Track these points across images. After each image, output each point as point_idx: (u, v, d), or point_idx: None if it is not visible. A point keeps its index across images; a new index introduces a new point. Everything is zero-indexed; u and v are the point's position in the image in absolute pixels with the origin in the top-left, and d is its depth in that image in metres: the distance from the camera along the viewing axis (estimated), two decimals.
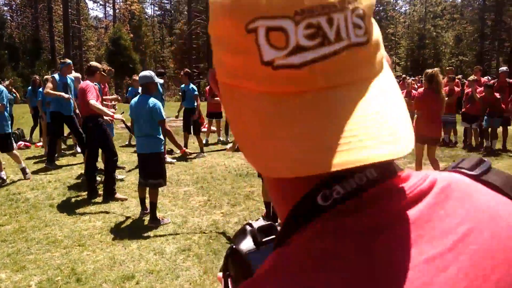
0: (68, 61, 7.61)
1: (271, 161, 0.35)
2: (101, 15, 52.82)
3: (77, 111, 7.15)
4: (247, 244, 0.62)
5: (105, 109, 5.30)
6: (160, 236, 4.28)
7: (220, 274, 0.64)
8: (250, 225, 0.67)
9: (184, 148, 4.83)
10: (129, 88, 10.74)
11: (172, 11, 65.18)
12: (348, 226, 0.37)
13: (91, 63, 5.89)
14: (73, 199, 5.57)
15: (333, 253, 0.36)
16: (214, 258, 3.72)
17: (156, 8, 69.89)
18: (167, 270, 3.52)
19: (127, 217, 4.87)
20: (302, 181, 0.39)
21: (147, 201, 4.73)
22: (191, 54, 41.01)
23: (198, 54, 45.55)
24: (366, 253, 0.35)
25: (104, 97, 7.27)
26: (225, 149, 5.46)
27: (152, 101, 4.51)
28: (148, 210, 4.75)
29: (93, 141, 5.59)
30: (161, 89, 7.30)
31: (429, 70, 5.99)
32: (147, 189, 4.71)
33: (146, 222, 4.68)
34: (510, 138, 9.46)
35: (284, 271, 0.37)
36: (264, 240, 0.64)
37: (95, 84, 5.83)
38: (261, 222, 0.70)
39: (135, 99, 4.64)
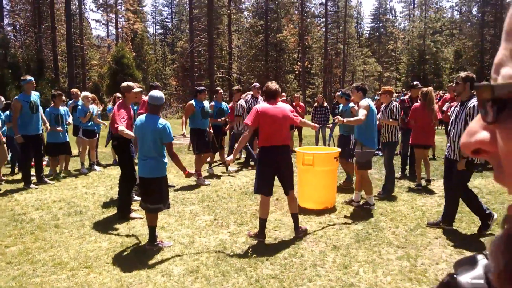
0: (29, 78, 7.40)
1: None
2: (103, 34, 53.42)
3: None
4: (473, 278, 0.49)
5: (131, 133, 5.21)
6: (168, 257, 4.22)
7: None
8: (486, 256, 0.52)
9: (188, 170, 4.66)
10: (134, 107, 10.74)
11: (174, 30, 65.90)
12: None
13: (123, 83, 5.73)
14: (78, 219, 5.52)
15: None
16: (223, 280, 3.66)
17: (158, 27, 70.74)
18: None
19: (134, 238, 4.82)
20: None
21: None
22: (193, 72, 41.26)
23: (200, 72, 45.86)
24: None
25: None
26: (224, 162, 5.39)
27: (162, 121, 4.40)
28: (158, 243, 4.53)
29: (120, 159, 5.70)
30: None
31: (425, 89, 7.05)
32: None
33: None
34: None
35: None
36: None
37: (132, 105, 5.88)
38: None
39: (142, 117, 4.52)
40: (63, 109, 8.44)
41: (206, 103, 7.93)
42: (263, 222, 4.66)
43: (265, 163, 4.58)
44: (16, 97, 7.34)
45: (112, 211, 5.91)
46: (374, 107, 5.91)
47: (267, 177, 4.59)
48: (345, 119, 5.65)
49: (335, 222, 5.28)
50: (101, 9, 41.18)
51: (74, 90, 10.53)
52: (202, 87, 8.17)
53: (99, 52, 43.57)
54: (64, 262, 4.10)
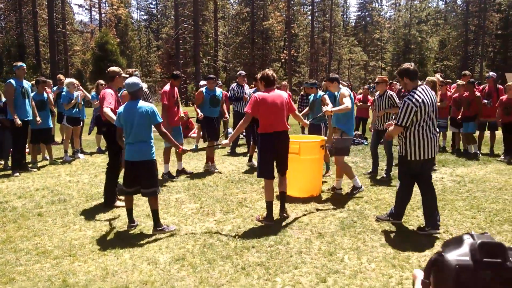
0: (20, 63, 7.44)
1: None
2: (86, 19, 52.35)
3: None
4: (459, 255, 0.50)
5: (114, 117, 5.13)
6: (153, 245, 4.20)
7: (418, 274, 0.56)
8: (472, 236, 0.54)
9: (182, 147, 4.82)
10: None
11: (159, 16, 64.97)
12: None
13: (110, 68, 5.69)
14: (62, 208, 5.45)
15: None
16: (209, 268, 3.66)
17: (143, 13, 69.67)
18: (161, 281, 3.45)
19: (119, 226, 4.78)
20: None
21: (136, 212, 4.64)
22: (178, 59, 40.85)
23: (185, 59, 45.43)
24: None
25: None
26: (219, 145, 5.54)
27: (147, 105, 4.44)
28: (136, 223, 4.72)
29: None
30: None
31: (431, 78, 6.98)
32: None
33: (137, 231, 4.60)
34: (497, 142, 9.58)
35: None
36: (485, 260, 0.52)
37: (118, 90, 5.76)
38: (486, 238, 0.59)
39: (123, 106, 4.53)
40: (46, 95, 8.31)
41: (218, 91, 7.92)
42: (269, 204, 4.84)
43: (266, 149, 4.79)
44: (9, 80, 7.24)
45: (97, 199, 5.86)
46: (352, 95, 6.03)
47: (269, 161, 4.82)
48: (333, 108, 5.71)
49: (320, 209, 5.33)
50: None
51: (60, 76, 10.37)
52: (212, 75, 8.14)
53: (82, 37, 42.77)
54: (48, 251, 4.06)
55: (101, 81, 9.09)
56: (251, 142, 8.24)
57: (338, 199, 5.79)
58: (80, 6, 44.61)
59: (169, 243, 4.23)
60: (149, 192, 4.49)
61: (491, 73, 10.18)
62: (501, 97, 8.93)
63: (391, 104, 6.77)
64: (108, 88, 5.49)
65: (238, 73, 9.79)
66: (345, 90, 5.87)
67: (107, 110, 5.16)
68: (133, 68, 12.49)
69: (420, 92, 4.28)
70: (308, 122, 5.97)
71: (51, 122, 8.48)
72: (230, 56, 50.29)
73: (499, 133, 9.46)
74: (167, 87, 7.12)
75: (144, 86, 5.66)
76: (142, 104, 4.44)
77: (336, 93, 6.89)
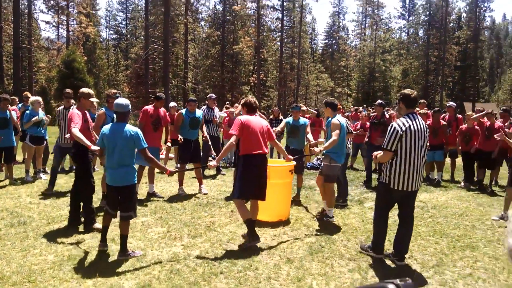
0: None
1: None
2: (53, 36, 51.38)
3: None
4: None
5: (84, 139, 5.04)
6: (118, 271, 4.07)
7: None
8: (398, 286, 0.51)
9: (169, 169, 4.75)
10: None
11: (128, 36, 64.62)
12: None
13: (84, 89, 5.66)
14: (21, 231, 5.22)
15: None
16: None
17: (112, 32, 69.12)
18: None
19: (82, 251, 4.62)
20: None
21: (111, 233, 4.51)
22: (147, 79, 40.58)
23: (154, 79, 45.17)
24: None
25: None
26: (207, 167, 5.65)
27: (132, 129, 4.36)
28: (106, 248, 4.59)
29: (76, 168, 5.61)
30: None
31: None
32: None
33: (102, 256, 4.45)
34: (457, 169, 9.96)
35: None
36: None
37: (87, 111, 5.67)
38: (408, 285, 0.54)
39: (108, 126, 4.44)
40: (8, 112, 8.06)
41: (199, 113, 7.93)
42: (249, 222, 4.86)
43: (248, 170, 4.85)
44: None
45: (59, 222, 5.65)
46: (344, 123, 6.08)
47: (251, 181, 4.87)
48: (321, 148, 5.79)
49: (289, 234, 5.34)
50: (52, 10, 39.53)
51: (27, 93, 10.15)
52: (193, 98, 8.24)
53: (48, 54, 41.80)
54: (6, 276, 3.86)
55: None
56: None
57: (306, 224, 5.83)
58: (47, 23, 43.73)
59: (134, 269, 4.12)
60: (125, 216, 4.40)
61: (450, 103, 10.66)
62: (460, 126, 9.33)
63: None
64: (76, 109, 5.42)
65: (208, 96, 9.82)
66: (335, 121, 5.86)
67: (75, 131, 5.07)
68: (101, 86, 12.31)
69: (409, 118, 4.20)
70: (291, 157, 6.04)
71: (14, 141, 8.19)
72: (199, 78, 50.43)
73: (459, 161, 9.84)
74: (149, 107, 7.25)
75: (95, 100, 5.68)
76: (128, 127, 4.35)
77: (304, 120, 7.04)
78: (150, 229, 5.46)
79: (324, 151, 5.95)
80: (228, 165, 11.14)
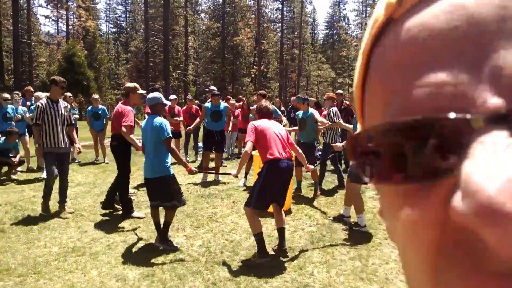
0: None
1: None
2: (53, 30, 51.28)
3: None
4: None
5: (135, 140, 5.24)
6: (122, 261, 4.14)
7: None
8: None
9: (190, 166, 4.71)
10: (88, 108, 10.40)
11: (128, 29, 64.44)
12: None
13: (129, 84, 5.71)
14: (26, 224, 5.28)
15: None
16: (179, 283, 3.63)
17: (112, 25, 68.90)
18: None
19: (86, 242, 4.68)
20: None
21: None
22: (147, 72, 40.55)
23: (155, 73, 45.14)
24: None
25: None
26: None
27: (158, 119, 4.44)
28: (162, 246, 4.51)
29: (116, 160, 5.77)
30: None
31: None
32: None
33: (105, 247, 4.51)
34: None
35: None
36: None
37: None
38: None
39: (145, 120, 4.62)
40: (11, 107, 8.12)
41: (222, 106, 8.26)
42: (259, 237, 4.12)
43: (271, 177, 4.23)
44: None
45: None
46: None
47: (269, 192, 4.25)
48: (341, 144, 5.76)
49: (290, 224, 5.38)
50: (50, 4, 39.47)
51: (29, 88, 10.25)
52: (217, 91, 8.49)
53: (48, 49, 41.80)
54: (12, 269, 3.92)
55: (68, 94, 8.97)
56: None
57: (307, 214, 5.87)
58: (46, 17, 43.62)
59: (138, 259, 4.17)
60: (168, 206, 4.51)
61: None
62: None
63: (330, 119, 6.73)
64: (123, 104, 5.55)
65: (209, 89, 9.67)
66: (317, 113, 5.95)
67: (127, 130, 5.23)
68: (101, 80, 12.34)
69: None
70: (311, 167, 5.29)
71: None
72: (200, 70, 50.34)
73: None
74: None
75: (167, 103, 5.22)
76: (156, 119, 4.44)
77: (311, 110, 6.90)
78: (152, 220, 5.50)
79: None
80: (230, 156, 11.18)
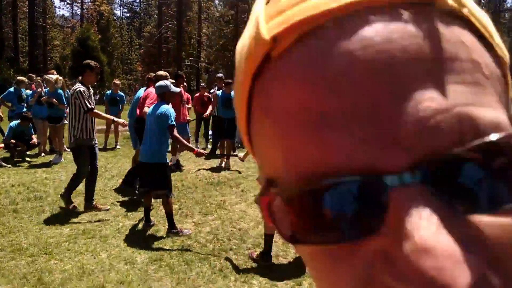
0: None
1: None
2: (67, 14, 51.44)
3: None
4: None
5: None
6: (131, 245, 4.20)
7: None
8: None
9: (196, 149, 4.77)
10: (107, 92, 10.44)
11: (142, 14, 64.45)
12: None
13: (161, 72, 5.88)
14: (38, 205, 5.38)
15: None
16: (186, 269, 3.69)
17: (126, 10, 68.93)
18: (138, 281, 3.46)
19: (96, 225, 4.75)
20: None
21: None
22: (160, 58, 40.60)
23: (167, 59, 45.17)
24: None
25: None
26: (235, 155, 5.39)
27: (164, 107, 4.47)
28: (152, 223, 4.72)
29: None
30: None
31: None
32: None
33: (115, 231, 4.58)
34: None
35: None
36: None
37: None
38: None
39: (152, 107, 4.68)
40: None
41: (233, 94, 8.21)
42: (270, 238, 3.85)
43: None
44: None
45: (74, 197, 5.78)
46: None
47: None
48: None
49: None
50: None
51: (53, 72, 10.35)
52: (229, 80, 8.49)
53: (63, 32, 42.06)
54: (24, 248, 4.01)
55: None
56: (219, 144, 8.75)
57: None
58: (61, 0, 43.78)
59: (147, 244, 4.24)
60: (160, 194, 4.54)
61: None
62: None
63: None
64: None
65: (218, 76, 9.57)
66: None
67: (146, 109, 5.29)
68: (114, 65, 12.41)
69: None
70: None
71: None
72: (212, 57, 50.25)
73: None
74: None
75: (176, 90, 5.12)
76: (162, 106, 4.48)
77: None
78: (162, 206, 5.56)
79: None
80: (238, 145, 11.20)
